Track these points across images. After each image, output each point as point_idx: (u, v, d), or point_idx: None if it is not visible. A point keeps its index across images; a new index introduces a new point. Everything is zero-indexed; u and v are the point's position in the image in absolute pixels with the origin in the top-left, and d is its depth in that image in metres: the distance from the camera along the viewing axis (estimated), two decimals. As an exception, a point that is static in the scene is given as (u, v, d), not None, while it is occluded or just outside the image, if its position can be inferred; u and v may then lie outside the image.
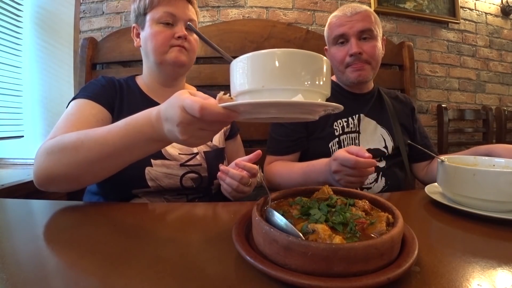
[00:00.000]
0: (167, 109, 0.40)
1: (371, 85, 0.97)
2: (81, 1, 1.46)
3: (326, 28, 0.93)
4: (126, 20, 1.44)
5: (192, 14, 0.77)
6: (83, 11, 1.46)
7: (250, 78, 0.35)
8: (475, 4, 1.82)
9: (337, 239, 0.31)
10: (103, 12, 1.46)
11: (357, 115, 0.90)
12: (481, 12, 1.83)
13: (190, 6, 0.77)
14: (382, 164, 0.87)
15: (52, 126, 0.64)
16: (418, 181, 1.01)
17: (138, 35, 0.79)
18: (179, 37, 0.73)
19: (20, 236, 0.44)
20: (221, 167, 0.66)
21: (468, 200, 0.52)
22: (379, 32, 0.88)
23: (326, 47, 0.97)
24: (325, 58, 0.37)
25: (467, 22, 1.79)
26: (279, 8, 1.49)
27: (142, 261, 0.36)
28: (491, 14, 1.86)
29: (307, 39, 1.40)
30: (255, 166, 0.65)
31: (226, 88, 1.37)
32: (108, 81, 0.77)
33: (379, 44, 0.88)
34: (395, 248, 0.32)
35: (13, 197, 0.81)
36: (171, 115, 0.39)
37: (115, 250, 0.38)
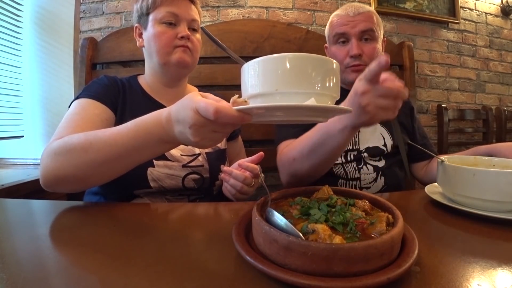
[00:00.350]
0: (179, 110, 0.40)
1: None
2: (81, 1, 1.46)
3: (327, 26, 0.93)
4: (126, 20, 1.44)
5: (194, 14, 0.77)
6: (83, 11, 1.46)
7: (263, 81, 0.36)
8: (475, 4, 1.82)
9: (337, 239, 0.31)
10: (103, 12, 1.46)
11: None
12: (481, 12, 1.83)
13: (192, 6, 0.77)
14: (381, 163, 0.87)
15: (52, 126, 0.65)
16: (417, 181, 1.01)
17: (140, 35, 0.79)
18: (182, 37, 0.73)
19: (20, 236, 0.44)
20: (224, 168, 0.66)
21: (468, 200, 0.52)
22: (380, 33, 0.88)
23: (326, 45, 0.97)
24: (335, 61, 0.37)
25: (467, 22, 1.79)
26: (279, 8, 1.49)
27: (142, 261, 0.36)
28: (491, 14, 1.86)
29: (307, 39, 1.40)
30: (257, 166, 0.65)
31: (226, 88, 1.37)
32: (110, 81, 0.77)
33: (379, 45, 0.88)
34: (395, 248, 0.32)
35: (13, 197, 0.81)
36: (183, 117, 0.39)
37: (115, 250, 0.38)
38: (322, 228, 0.33)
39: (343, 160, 0.85)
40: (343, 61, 0.86)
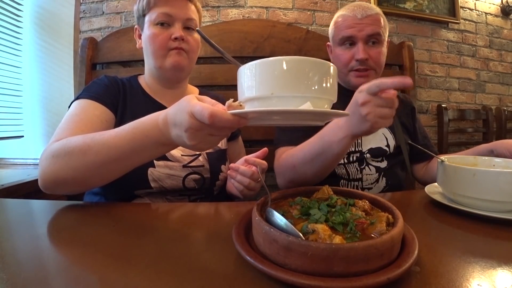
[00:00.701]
0: (176, 114, 0.40)
1: None
2: (81, 1, 1.46)
3: (332, 25, 0.91)
4: (126, 20, 1.44)
5: (191, 13, 0.75)
6: (83, 11, 1.46)
7: (259, 84, 0.36)
8: (475, 4, 1.82)
9: (337, 239, 0.31)
10: (103, 12, 1.46)
11: None
12: (481, 12, 1.83)
13: (189, 5, 0.76)
14: (383, 164, 0.87)
15: (52, 126, 0.65)
16: (417, 181, 1.01)
17: (140, 36, 0.80)
18: (176, 39, 0.72)
19: (20, 236, 0.44)
20: (231, 165, 0.66)
21: (468, 200, 0.52)
22: (386, 36, 0.87)
23: (328, 43, 0.95)
24: (332, 65, 0.37)
25: (467, 22, 1.79)
26: (279, 8, 1.49)
27: (142, 261, 0.36)
28: (491, 14, 1.86)
29: (307, 39, 1.40)
30: (264, 162, 0.65)
31: (226, 88, 1.37)
32: (111, 81, 0.77)
33: (385, 49, 0.87)
34: (395, 248, 0.32)
35: (13, 197, 0.81)
36: (180, 121, 0.39)
37: (115, 250, 0.38)
38: (322, 228, 0.33)
39: (345, 161, 0.85)
40: (348, 64, 0.85)
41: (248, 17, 1.46)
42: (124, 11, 1.45)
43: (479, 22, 1.83)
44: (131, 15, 1.43)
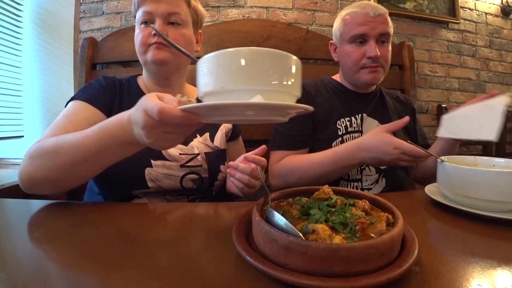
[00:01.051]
0: (135, 112, 0.40)
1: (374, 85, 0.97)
2: (81, 1, 1.46)
3: (339, 23, 0.89)
4: (126, 20, 1.45)
5: (173, 8, 0.72)
6: (83, 11, 1.46)
7: (214, 78, 0.34)
8: (475, 4, 1.82)
9: (337, 239, 0.31)
10: (103, 12, 1.46)
11: (360, 115, 0.89)
12: (481, 12, 1.83)
13: (178, 1, 0.74)
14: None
15: None
16: (413, 179, 1.01)
17: None
18: (154, 35, 0.71)
19: (20, 236, 0.44)
20: (231, 163, 0.66)
21: (468, 200, 0.52)
22: (391, 35, 0.89)
23: (332, 41, 0.94)
24: (295, 57, 0.35)
25: (467, 22, 1.79)
26: (279, 8, 1.49)
27: (142, 261, 0.36)
28: (491, 14, 1.86)
29: (307, 39, 1.40)
30: (263, 159, 0.64)
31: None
32: (108, 82, 0.77)
33: (390, 47, 0.88)
34: (395, 248, 0.32)
35: (13, 197, 0.81)
36: (137, 119, 0.39)
37: (115, 250, 0.38)
38: (322, 228, 0.33)
39: None
40: (359, 61, 0.85)
41: (248, 17, 1.46)
42: (124, 11, 1.45)
43: (479, 22, 1.83)
44: (131, 15, 1.42)
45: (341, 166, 0.74)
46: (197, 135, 0.79)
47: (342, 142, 0.85)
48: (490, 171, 0.50)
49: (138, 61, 0.78)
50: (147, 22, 0.72)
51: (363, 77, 0.86)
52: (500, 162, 0.61)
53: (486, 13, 1.85)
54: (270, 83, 0.33)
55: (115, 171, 0.65)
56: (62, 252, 0.38)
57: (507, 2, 1.85)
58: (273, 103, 0.33)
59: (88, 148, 0.49)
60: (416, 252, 0.32)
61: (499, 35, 1.88)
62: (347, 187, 0.85)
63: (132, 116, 0.41)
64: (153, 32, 0.70)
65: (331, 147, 0.85)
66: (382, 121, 0.90)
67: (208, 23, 1.43)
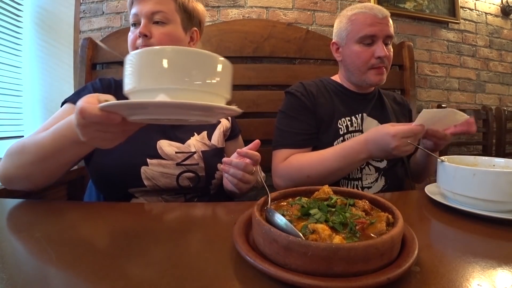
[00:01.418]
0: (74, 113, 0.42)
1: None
2: (81, 1, 1.46)
3: (347, 23, 0.88)
4: (126, 20, 1.44)
5: (157, 6, 0.71)
6: (83, 11, 1.46)
7: (135, 77, 0.34)
8: (475, 4, 1.82)
9: (337, 239, 0.31)
10: (103, 12, 1.46)
11: (360, 115, 0.90)
12: (481, 12, 1.83)
13: None
14: (383, 164, 0.88)
15: None
16: (409, 176, 1.02)
17: None
18: (139, 37, 0.71)
19: (20, 236, 0.44)
20: (224, 159, 0.65)
21: (468, 200, 0.52)
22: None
23: (334, 41, 0.94)
24: (221, 58, 0.35)
25: (467, 22, 1.79)
26: (279, 8, 1.49)
27: (142, 261, 0.36)
28: (491, 14, 1.86)
29: (307, 39, 1.40)
30: (257, 153, 0.64)
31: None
32: (104, 85, 0.77)
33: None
34: (395, 248, 0.32)
35: (13, 197, 0.81)
36: (74, 119, 0.41)
37: (114, 250, 0.38)
38: (322, 228, 0.33)
39: None
40: (369, 61, 0.85)
41: (248, 17, 1.46)
42: (124, 11, 1.45)
43: (479, 22, 1.83)
44: (131, 15, 1.43)
45: (350, 161, 0.75)
46: (195, 133, 0.79)
47: (343, 141, 0.86)
48: (490, 171, 0.50)
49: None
50: (135, 24, 0.73)
51: (371, 78, 0.87)
52: (500, 162, 0.61)
53: (486, 13, 1.85)
54: (191, 83, 0.33)
55: (112, 169, 0.67)
56: (62, 252, 0.38)
57: (507, 2, 1.85)
58: (183, 102, 0.31)
59: (44, 147, 0.53)
60: (416, 252, 0.32)
61: (499, 35, 1.88)
62: (347, 185, 0.85)
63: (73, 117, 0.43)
64: (137, 34, 0.71)
65: (333, 146, 0.85)
66: (381, 121, 0.91)
67: (208, 23, 1.43)
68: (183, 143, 0.76)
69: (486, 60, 1.84)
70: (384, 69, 0.87)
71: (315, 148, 0.87)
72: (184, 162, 0.73)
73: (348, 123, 0.88)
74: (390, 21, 0.86)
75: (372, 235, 0.34)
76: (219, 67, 0.35)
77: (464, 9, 1.78)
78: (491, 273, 0.32)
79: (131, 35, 0.73)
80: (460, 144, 1.75)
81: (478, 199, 0.50)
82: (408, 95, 1.44)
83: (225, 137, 0.89)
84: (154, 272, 0.33)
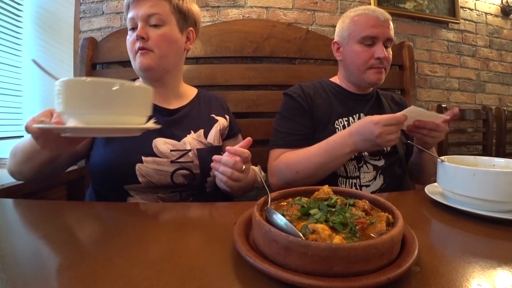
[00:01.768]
0: None
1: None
2: (81, 1, 1.46)
3: (349, 23, 0.90)
4: (126, 20, 1.44)
5: (152, 9, 0.73)
6: (83, 11, 1.46)
7: (59, 101, 0.42)
8: (475, 4, 1.82)
9: (337, 239, 0.31)
10: (103, 12, 1.46)
11: (357, 115, 0.91)
12: (481, 12, 1.83)
13: (157, 0, 0.74)
14: (381, 162, 0.88)
15: None
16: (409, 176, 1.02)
17: None
18: (137, 40, 0.73)
19: (20, 236, 0.44)
20: (214, 156, 0.66)
21: (468, 200, 0.52)
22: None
23: (336, 40, 0.95)
24: (136, 85, 0.46)
25: (467, 22, 1.79)
26: (279, 8, 1.49)
27: (142, 261, 0.36)
28: (491, 14, 1.86)
29: (307, 39, 1.40)
30: (246, 150, 0.65)
31: (226, 88, 1.37)
32: None
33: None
34: (395, 248, 0.32)
35: (13, 197, 0.81)
36: None
37: (114, 250, 0.38)
38: (322, 228, 0.33)
39: None
40: (368, 61, 0.87)
41: (248, 17, 1.46)
42: (124, 11, 1.44)
43: (479, 22, 1.83)
44: (131, 15, 1.42)
45: (334, 155, 0.75)
46: (191, 131, 0.80)
47: None
48: (490, 171, 0.50)
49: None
50: (133, 28, 0.75)
51: (370, 77, 0.89)
52: (500, 162, 0.61)
53: (486, 13, 1.85)
54: (107, 108, 0.42)
55: (108, 166, 0.71)
56: (62, 252, 0.38)
57: (507, 2, 1.85)
58: (92, 127, 0.42)
59: (25, 151, 0.63)
60: (416, 252, 0.32)
61: (499, 35, 1.88)
62: (345, 184, 0.86)
63: None
64: (134, 37, 0.74)
65: None
66: None
67: (208, 23, 1.43)
68: (179, 140, 0.77)
69: (486, 60, 1.84)
70: (383, 70, 0.89)
71: None
72: (178, 160, 0.74)
73: (346, 123, 0.89)
74: (391, 24, 0.88)
75: (372, 235, 0.34)
76: (132, 94, 0.45)
77: (464, 9, 1.78)
78: (491, 273, 0.32)
79: (129, 39, 0.75)
80: (460, 144, 1.75)
81: (478, 199, 0.50)
82: (408, 95, 1.44)
83: (223, 136, 0.89)
84: (154, 272, 0.33)
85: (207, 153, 0.78)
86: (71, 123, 0.41)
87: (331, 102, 0.92)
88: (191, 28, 0.83)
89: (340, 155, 0.75)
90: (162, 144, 0.74)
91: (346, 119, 0.90)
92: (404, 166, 0.95)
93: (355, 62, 0.89)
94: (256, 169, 0.89)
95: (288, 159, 0.83)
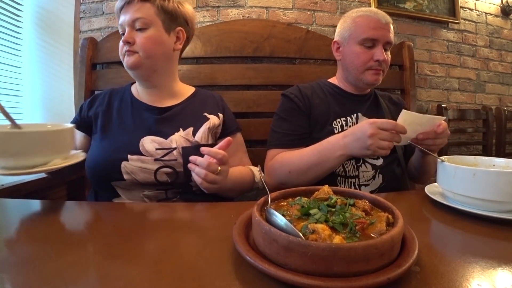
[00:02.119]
0: None
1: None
2: (81, 1, 1.46)
3: (350, 23, 0.90)
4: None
5: (136, 13, 0.75)
6: (83, 11, 1.46)
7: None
8: (475, 4, 1.82)
9: (337, 239, 0.31)
10: (103, 12, 1.46)
11: (355, 115, 0.92)
12: (481, 12, 1.83)
13: (136, 5, 0.76)
14: (379, 162, 0.88)
15: None
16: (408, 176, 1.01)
17: None
18: (124, 44, 0.77)
19: (20, 236, 0.44)
20: (190, 157, 0.65)
21: (468, 200, 0.52)
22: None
23: (336, 40, 0.95)
24: (55, 129, 0.57)
25: (467, 22, 1.79)
26: (279, 8, 1.49)
27: (142, 261, 0.36)
28: (491, 14, 1.86)
29: (307, 39, 1.40)
30: (220, 151, 0.63)
31: (226, 88, 1.37)
32: (88, 103, 0.86)
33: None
34: (395, 248, 0.32)
35: (13, 197, 0.81)
36: None
37: (115, 250, 0.38)
38: (322, 228, 0.33)
39: None
40: (367, 63, 0.88)
41: (248, 17, 1.46)
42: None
43: (479, 22, 1.83)
44: (131, 15, 1.42)
45: (325, 156, 0.75)
46: (180, 129, 0.80)
47: None
48: (490, 171, 0.50)
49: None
50: (123, 33, 0.78)
51: (368, 77, 0.89)
52: (500, 162, 0.61)
53: (486, 13, 1.84)
54: (29, 154, 0.52)
55: (97, 163, 0.74)
56: (62, 252, 0.38)
57: (507, 2, 1.85)
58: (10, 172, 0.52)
59: None
60: (416, 252, 0.32)
61: (499, 35, 1.88)
62: (344, 183, 0.86)
63: None
64: (122, 41, 0.78)
65: None
66: None
67: (208, 23, 1.43)
68: (166, 138, 0.77)
69: (486, 60, 1.84)
70: (381, 72, 0.90)
71: None
72: (162, 158, 0.75)
73: (343, 122, 0.90)
74: (392, 28, 0.89)
75: (372, 235, 0.34)
76: (51, 139, 0.55)
77: (464, 9, 1.78)
78: (491, 273, 0.32)
79: (120, 44, 0.78)
80: (460, 144, 1.75)
81: (478, 199, 0.50)
82: (408, 95, 1.44)
83: (217, 135, 0.87)
84: (154, 272, 0.33)
85: (192, 152, 0.76)
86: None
87: (329, 102, 0.92)
88: (180, 28, 0.83)
89: (331, 157, 0.74)
90: (148, 142, 0.76)
91: (344, 119, 0.90)
92: (402, 166, 0.95)
93: (354, 62, 0.90)
94: (255, 169, 0.89)
95: (283, 159, 0.83)
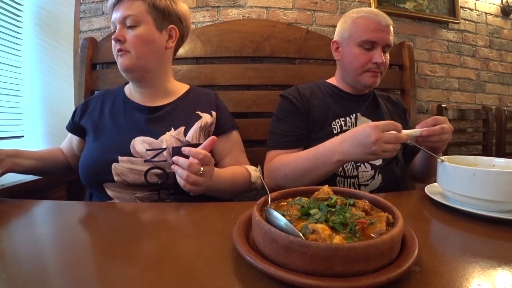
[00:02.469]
0: None
1: None
2: (81, 1, 1.46)
3: (350, 24, 0.90)
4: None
5: (126, 11, 0.74)
6: (83, 11, 1.46)
7: None
8: (475, 4, 1.82)
9: (337, 239, 0.31)
10: (103, 12, 1.46)
11: (354, 115, 0.92)
12: (481, 12, 1.83)
13: (127, 3, 0.75)
14: (378, 161, 0.88)
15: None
16: (409, 176, 1.01)
17: None
18: (116, 42, 0.76)
19: (20, 236, 0.44)
20: (173, 158, 0.63)
21: (468, 200, 0.52)
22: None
23: (335, 40, 0.95)
24: None
25: (467, 22, 1.79)
26: (279, 8, 1.49)
27: (142, 261, 0.36)
28: (491, 14, 1.86)
29: (307, 39, 1.40)
30: (202, 151, 0.60)
31: (226, 88, 1.37)
32: (81, 108, 0.86)
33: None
34: (395, 248, 0.32)
35: (13, 197, 0.81)
36: None
37: (115, 250, 0.38)
38: (322, 228, 0.33)
39: None
40: (365, 65, 0.88)
41: (248, 17, 1.46)
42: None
43: (479, 22, 1.83)
44: (131, 15, 1.42)
45: (321, 161, 0.72)
46: (172, 128, 0.78)
47: None
48: (490, 171, 0.50)
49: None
50: (115, 31, 0.77)
51: (366, 79, 0.89)
52: (500, 162, 0.61)
53: (486, 13, 1.84)
54: None
55: (88, 164, 0.75)
56: (62, 252, 0.38)
57: (507, 2, 1.85)
58: None
59: None
60: (416, 252, 0.32)
61: (499, 35, 1.88)
62: (343, 183, 0.86)
63: None
64: (113, 39, 0.77)
65: None
66: (375, 121, 0.91)
67: (208, 23, 1.43)
68: (157, 138, 0.76)
69: (486, 60, 1.84)
70: (379, 74, 0.90)
71: (305, 148, 0.87)
72: (152, 159, 0.74)
73: (342, 123, 0.90)
74: (392, 30, 0.88)
75: (372, 235, 0.34)
76: None
77: (464, 9, 1.78)
78: (491, 273, 0.32)
79: (112, 43, 0.78)
80: (460, 144, 1.75)
81: (478, 199, 0.50)
82: (408, 95, 1.44)
83: (210, 133, 0.84)
84: (154, 272, 0.33)
85: (181, 152, 0.76)
86: None
87: (328, 102, 0.92)
88: (172, 26, 0.81)
89: (328, 162, 0.71)
90: (139, 143, 0.75)
91: (343, 119, 0.90)
92: (402, 165, 0.95)
93: (352, 64, 0.89)
94: (252, 168, 0.88)
95: (280, 162, 0.82)
